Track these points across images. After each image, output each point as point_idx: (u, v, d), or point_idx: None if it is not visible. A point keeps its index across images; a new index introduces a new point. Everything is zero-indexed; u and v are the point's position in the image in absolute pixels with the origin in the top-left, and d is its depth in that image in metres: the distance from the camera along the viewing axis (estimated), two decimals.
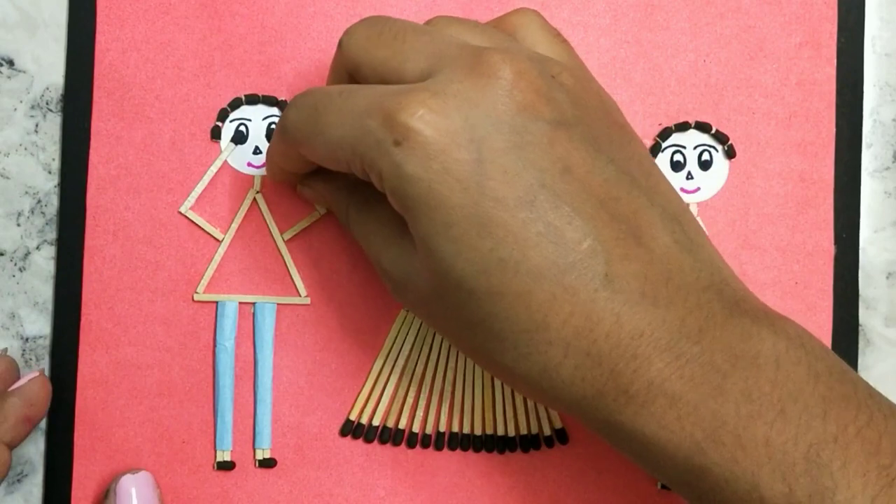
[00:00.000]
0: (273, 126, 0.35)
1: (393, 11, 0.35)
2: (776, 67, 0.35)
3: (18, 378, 0.33)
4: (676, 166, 0.35)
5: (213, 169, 0.35)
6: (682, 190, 0.35)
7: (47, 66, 0.35)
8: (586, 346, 0.25)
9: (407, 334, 0.35)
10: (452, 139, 0.25)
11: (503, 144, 0.25)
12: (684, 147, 0.35)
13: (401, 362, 0.35)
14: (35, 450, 0.35)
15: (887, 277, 0.36)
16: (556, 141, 0.25)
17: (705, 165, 0.35)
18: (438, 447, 0.35)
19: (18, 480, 0.35)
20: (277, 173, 0.33)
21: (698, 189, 0.35)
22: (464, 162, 0.25)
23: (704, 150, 0.35)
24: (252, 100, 0.35)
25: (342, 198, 0.32)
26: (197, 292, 0.35)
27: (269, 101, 0.35)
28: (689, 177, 0.35)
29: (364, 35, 0.28)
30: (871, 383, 0.35)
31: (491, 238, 0.25)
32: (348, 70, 0.29)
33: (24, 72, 0.35)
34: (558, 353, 0.25)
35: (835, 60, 0.35)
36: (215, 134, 0.35)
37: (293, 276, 0.35)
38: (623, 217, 0.25)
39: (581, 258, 0.25)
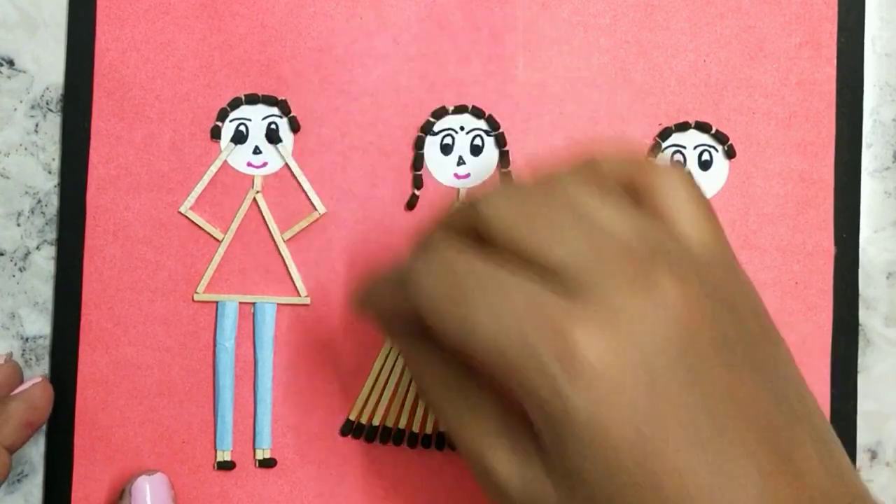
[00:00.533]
0: (273, 126, 0.35)
1: (391, 11, 0.35)
2: (776, 67, 0.35)
3: (21, 382, 0.33)
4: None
5: (213, 169, 0.35)
6: None
7: (47, 66, 0.35)
8: None
9: None
10: (623, 363, 0.22)
11: (671, 370, 0.23)
12: (684, 147, 0.35)
13: (401, 362, 0.35)
14: (35, 450, 0.35)
15: (887, 277, 0.36)
16: (720, 366, 0.23)
17: (705, 165, 0.35)
18: (439, 447, 0.35)
19: (18, 481, 0.35)
20: (364, 311, 0.29)
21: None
22: (635, 390, 0.22)
23: (704, 150, 0.35)
24: (252, 99, 0.35)
25: (433, 370, 0.27)
26: (197, 292, 0.35)
27: (269, 100, 0.35)
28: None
29: (507, 205, 0.25)
30: (871, 383, 0.35)
31: (654, 476, 0.22)
32: (478, 230, 0.25)
33: (24, 72, 0.35)
34: None
35: (835, 60, 0.35)
36: (215, 134, 0.35)
37: (293, 276, 0.35)
38: (782, 450, 0.23)
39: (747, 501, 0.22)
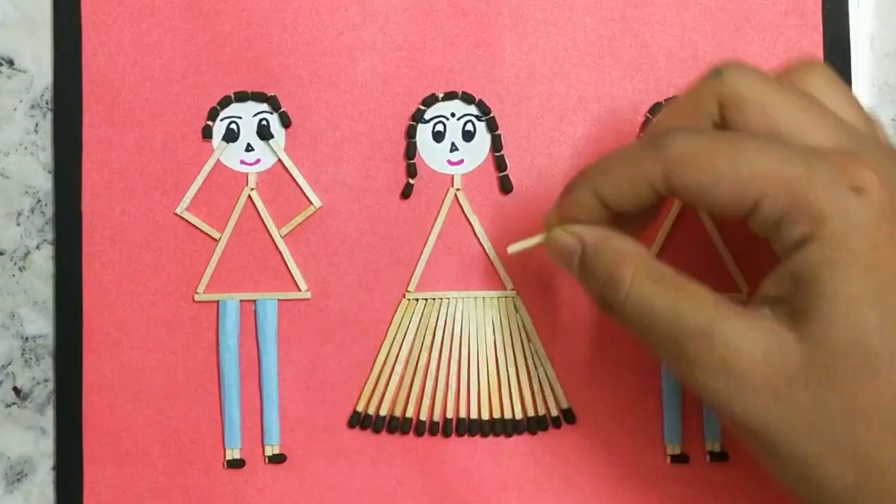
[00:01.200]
0: (264, 122, 0.35)
1: (376, 1, 0.35)
2: (763, 37, 0.35)
3: None
4: None
5: (207, 169, 0.35)
6: None
7: (47, 65, 0.35)
8: None
9: (409, 323, 0.35)
10: None
11: None
12: None
13: (405, 351, 0.35)
14: (35, 450, 0.35)
15: None
16: None
17: None
18: (447, 434, 0.35)
19: (18, 480, 0.35)
20: (582, 202, 0.28)
21: None
22: None
23: None
24: (241, 97, 0.35)
25: (627, 260, 0.27)
26: (197, 292, 0.35)
27: (259, 97, 0.35)
28: None
29: (755, 76, 0.26)
30: None
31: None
32: (721, 103, 0.27)
33: (24, 72, 0.35)
34: None
35: (821, 27, 0.35)
36: (206, 133, 0.35)
37: (292, 272, 0.35)
38: None
39: None
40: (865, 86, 0.36)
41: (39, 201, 0.35)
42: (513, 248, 0.31)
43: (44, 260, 0.35)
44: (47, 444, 0.35)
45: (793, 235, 0.24)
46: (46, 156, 0.35)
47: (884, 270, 0.23)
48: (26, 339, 0.35)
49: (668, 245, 0.35)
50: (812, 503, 0.25)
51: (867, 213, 0.23)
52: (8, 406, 0.35)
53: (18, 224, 0.35)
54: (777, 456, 0.25)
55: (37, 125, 0.35)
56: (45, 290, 0.35)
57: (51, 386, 0.35)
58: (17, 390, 0.35)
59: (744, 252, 0.35)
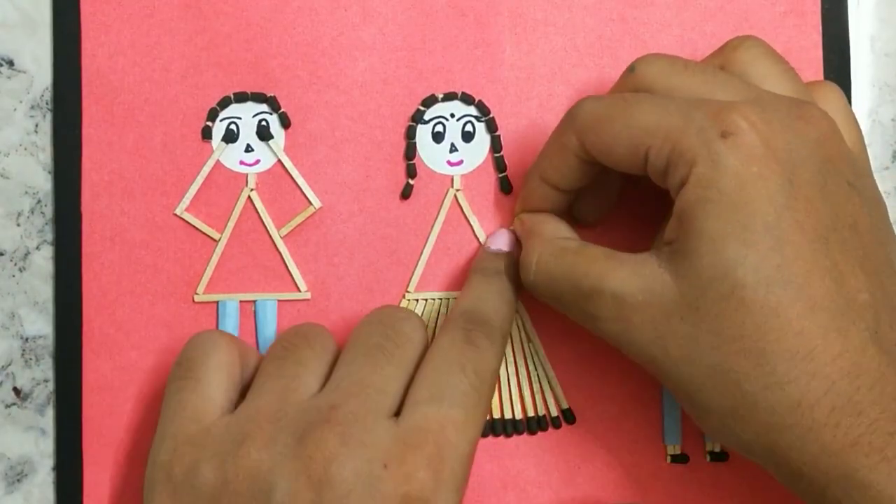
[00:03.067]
0: (263, 123, 0.35)
1: (376, 1, 0.35)
2: (762, 37, 0.35)
3: None
4: None
5: (206, 169, 0.35)
6: None
7: (47, 66, 0.35)
8: (850, 391, 0.24)
9: None
10: (773, 152, 0.26)
11: (809, 179, 0.26)
12: None
13: None
14: (35, 450, 0.35)
15: None
16: (851, 200, 0.27)
17: None
18: None
19: (18, 480, 0.35)
20: (534, 190, 0.33)
21: None
22: (778, 176, 0.25)
23: None
24: (241, 98, 0.35)
25: (535, 244, 0.31)
26: (197, 293, 0.35)
27: (258, 97, 0.35)
28: None
29: (664, 63, 0.30)
30: None
31: (782, 254, 0.25)
32: (637, 90, 0.30)
33: (24, 72, 0.35)
34: (819, 388, 0.25)
35: (820, 27, 0.35)
36: (206, 134, 0.35)
37: (292, 272, 0.35)
38: (893, 289, 0.26)
39: (857, 308, 0.25)
40: (865, 86, 0.36)
41: (39, 202, 0.35)
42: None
43: (44, 260, 0.35)
44: (47, 445, 0.35)
45: (675, 179, 0.27)
46: (46, 156, 0.35)
47: (749, 207, 0.25)
48: (26, 339, 0.35)
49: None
50: (701, 424, 0.28)
51: (734, 154, 0.26)
52: (8, 406, 0.35)
53: (18, 224, 0.35)
54: (667, 382, 0.28)
55: (37, 126, 0.35)
56: (45, 290, 0.35)
57: (51, 386, 0.35)
58: (17, 391, 0.35)
59: None
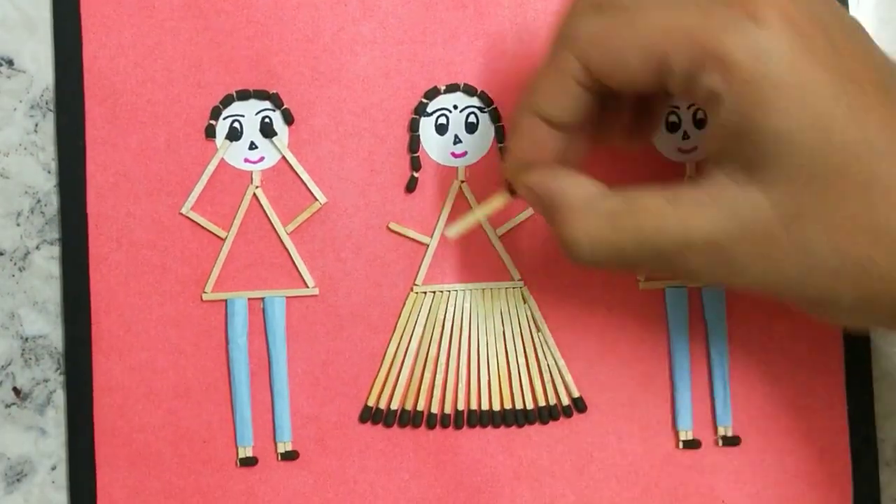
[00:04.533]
0: (266, 120, 0.35)
1: (379, 1, 0.35)
2: None
3: None
4: (672, 127, 0.35)
5: (211, 168, 0.35)
6: (680, 150, 0.35)
7: (47, 65, 0.35)
8: None
9: (418, 316, 0.35)
10: (808, 19, 0.23)
11: (845, 34, 0.24)
12: (678, 107, 0.35)
13: (414, 344, 0.35)
14: (35, 450, 0.35)
15: None
16: (861, 37, 0.25)
17: (700, 124, 0.35)
18: (458, 426, 0.35)
19: (18, 480, 0.35)
20: (528, 131, 0.28)
21: (696, 148, 0.35)
22: (822, 42, 0.23)
23: (699, 109, 0.35)
24: (243, 95, 0.35)
25: (575, 219, 0.27)
26: (205, 292, 0.35)
27: (261, 95, 0.35)
28: (686, 136, 0.35)
29: None
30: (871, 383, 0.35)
31: (858, 121, 0.23)
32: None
33: (24, 72, 0.35)
34: None
35: None
36: (210, 132, 0.35)
37: (300, 269, 0.35)
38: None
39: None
40: None
41: (39, 201, 0.35)
42: (452, 231, 0.31)
43: (44, 260, 0.35)
44: (47, 445, 0.35)
45: (709, 86, 0.24)
46: (46, 156, 0.35)
47: (813, 87, 0.23)
48: (26, 339, 0.35)
49: None
50: (829, 320, 0.26)
51: (774, 39, 0.23)
52: (8, 406, 0.35)
53: (18, 224, 0.35)
54: (787, 298, 0.25)
55: (37, 125, 0.35)
56: (45, 290, 0.35)
57: (51, 386, 0.35)
58: (16, 390, 0.35)
59: None
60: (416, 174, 0.35)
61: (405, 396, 0.35)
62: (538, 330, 0.35)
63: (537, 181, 0.28)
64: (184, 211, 0.35)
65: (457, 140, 0.35)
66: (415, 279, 0.35)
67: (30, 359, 0.35)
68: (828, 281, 0.24)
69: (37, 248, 0.35)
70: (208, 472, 0.35)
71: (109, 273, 0.35)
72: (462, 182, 0.35)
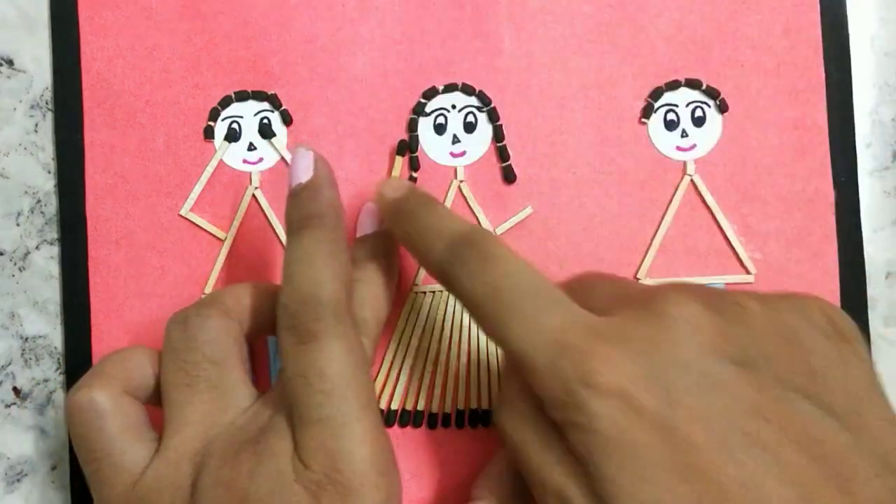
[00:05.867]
0: (265, 121, 0.35)
1: (377, 2, 0.35)
2: (760, 18, 0.35)
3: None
4: (670, 125, 0.35)
5: (210, 169, 0.35)
6: (678, 148, 0.35)
7: (47, 65, 0.35)
8: None
9: (418, 316, 0.35)
10: (642, 384, 0.24)
11: (690, 387, 0.24)
12: (676, 105, 0.35)
13: (414, 344, 0.35)
14: (35, 450, 0.35)
15: (886, 277, 0.36)
16: (742, 382, 0.24)
17: (699, 122, 0.35)
18: (459, 425, 0.35)
19: (18, 480, 0.35)
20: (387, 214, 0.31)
21: (694, 146, 0.35)
22: (654, 405, 0.24)
23: (697, 107, 0.35)
24: (242, 96, 0.35)
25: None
26: (205, 293, 0.35)
27: (259, 96, 0.35)
28: (684, 134, 0.35)
29: None
30: None
31: (692, 483, 0.23)
32: None
33: (24, 71, 0.35)
34: None
35: (818, 6, 0.35)
36: (208, 134, 0.35)
37: None
38: (824, 460, 0.23)
39: (822, 482, 0.23)
40: (865, 86, 0.36)
41: (39, 201, 0.35)
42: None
43: (43, 260, 0.35)
44: (47, 444, 0.35)
45: (554, 417, 0.25)
46: (46, 156, 0.35)
47: (643, 450, 0.23)
48: (26, 339, 0.35)
49: (675, 224, 0.35)
50: None
51: (598, 403, 0.24)
52: (8, 406, 0.35)
53: (18, 224, 0.35)
54: None
55: (36, 125, 0.35)
56: (44, 290, 0.35)
57: (51, 386, 0.35)
58: (16, 390, 0.35)
59: (750, 231, 0.35)
60: (415, 174, 0.35)
61: (406, 396, 0.35)
62: None
63: None
64: (183, 212, 0.35)
65: (455, 140, 0.35)
66: (414, 279, 0.35)
67: (30, 359, 0.35)
68: None
69: (37, 248, 0.35)
70: None
71: (109, 274, 0.35)
72: (461, 182, 0.35)
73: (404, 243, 0.31)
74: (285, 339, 0.27)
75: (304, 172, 0.29)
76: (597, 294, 0.28)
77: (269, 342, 0.34)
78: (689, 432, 0.23)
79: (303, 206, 0.29)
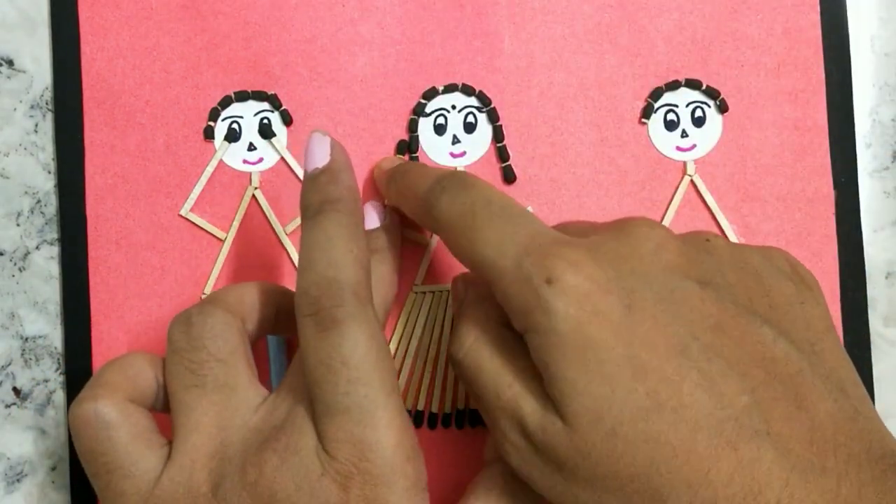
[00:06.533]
0: (265, 121, 0.35)
1: (377, 2, 0.35)
2: (761, 18, 0.35)
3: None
4: (670, 125, 0.35)
5: (210, 169, 0.35)
6: (678, 148, 0.35)
7: (47, 65, 0.35)
8: None
9: (417, 316, 0.35)
10: (603, 285, 0.24)
11: (652, 296, 0.25)
12: (676, 106, 0.35)
13: (413, 344, 0.35)
14: (35, 450, 0.35)
15: (886, 277, 0.36)
16: (705, 299, 0.25)
17: (699, 122, 0.35)
18: (459, 425, 0.35)
19: (18, 480, 0.35)
20: (390, 195, 0.32)
21: (694, 146, 0.35)
22: (615, 306, 0.24)
23: (697, 107, 0.35)
24: (242, 96, 0.35)
25: (472, 325, 0.28)
26: (205, 293, 0.35)
27: (259, 96, 0.35)
28: (684, 135, 0.35)
29: None
30: (871, 383, 0.34)
31: (646, 381, 0.23)
32: None
33: (24, 72, 0.35)
34: None
35: (818, 6, 0.35)
36: (208, 134, 0.35)
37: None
38: (781, 378, 0.24)
39: (739, 413, 0.23)
40: (865, 86, 0.36)
41: (39, 202, 0.35)
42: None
43: (44, 260, 0.35)
44: (47, 444, 0.35)
45: (517, 325, 0.26)
46: (46, 156, 0.35)
47: (596, 345, 0.24)
48: (26, 339, 0.35)
49: (675, 225, 0.35)
50: None
51: (561, 299, 0.24)
52: (8, 406, 0.35)
53: (18, 224, 0.35)
54: None
55: (36, 125, 0.35)
56: (45, 290, 0.35)
57: (51, 386, 0.35)
58: (16, 390, 0.35)
59: (750, 231, 0.35)
60: None
61: (405, 396, 0.35)
62: None
63: (462, 285, 0.31)
64: (183, 212, 0.35)
65: (455, 140, 0.35)
66: (414, 279, 0.35)
67: (30, 359, 0.35)
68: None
69: (37, 248, 0.35)
70: None
71: (109, 274, 0.35)
72: None
73: (398, 199, 0.31)
74: (306, 327, 0.26)
75: (322, 157, 0.29)
76: (571, 228, 0.28)
77: (269, 342, 0.34)
78: (648, 336, 0.24)
79: (321, 189, 0.28)
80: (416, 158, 0.35)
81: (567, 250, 0.25)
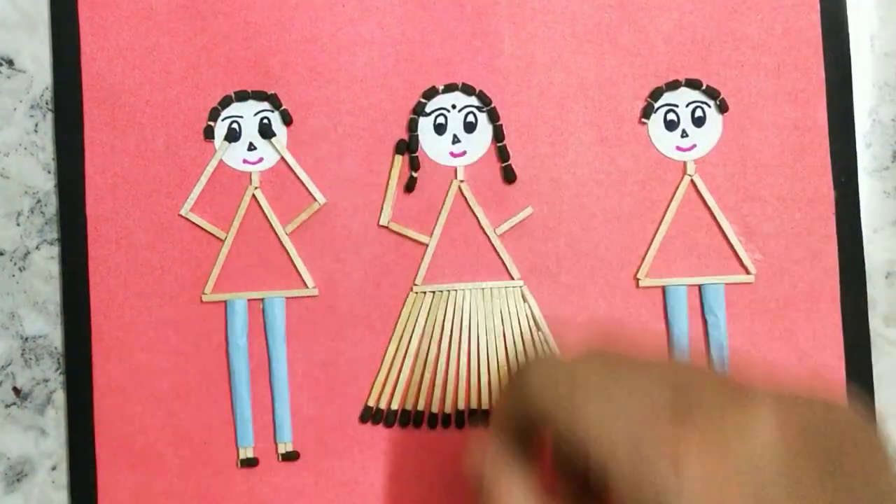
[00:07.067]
0: (265, 121, 0.35)
1: (377, 2, 0.35)
2: (761, 18, 0.35)
3: None
4: (670, 125, 0.35)
5: (210, 169, 0.35)
6: (678, 148, 0.35)
7: (47, 65, 0.35)
8: None
9: (417, 316, 0.35)
10: (729, 478, 0.23)
11: (780, 478, 0.24)
12: (677, 105, 0.35)
13: (414, 344, 0.35)
14: (35, 450, 0.35)
15: (886, 277, 0.36)
16: (826, 488, 0.24)
17: (699, 122, 0.35)
18: (459, 425, 0.35)
19: (18, 480, 0.35)
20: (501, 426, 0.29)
21: (694, 146, 0.35)
22: (745, 496, 0.23)
23: (697, 107, 0.35)
24: (242, 96, 0.35)
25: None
26: (205, 293, 0.35)
27: (259, 96, 0.35)
28: (684, 134, 0.35)
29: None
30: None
31: None
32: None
33: (24, 72, 0.35)
34: None
35: (818, 6, 0.35)
36: (208, 134, 0.35)
37: (299, 269, 0.35)
38: None
39: None
40: (865, 86, 0.36)
41: (39, 201, 0.35)
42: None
43: (44, 260, 0.35)
44: (47, 444, 0.35)
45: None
46: (46, 156, 0.35)
47: None
48: (26, 339, 0.35)
49: (675, 224, 0.35)
50: None
51: (687, 485, 0.23)
52: (8, 406, 0.35)
53: (18, 224, 0.35)
54: None
55: (36, 125, 0.35)
56: (45, 290, 0.35)
57: (51, 386, 0.35)
58: (16, 390, 0.35)
59: (750, 231, 0.35)
60: (415, 174, 0.35)
61: (405, 396, 0.35)
62: (538, 329, 0.35)
63: (491, 479, 0.28)
64: (183, 212, 0.35)
65: (455, 139, 0.35)
66: (414, 279, 0.35)
67: (30, 359, 0.35)
68: None
69: (37, 248, 0.35)
70: (209, 474, 0.35)
71: (109, 274, 0.35)
72: (461, 181, 0.35)
73: None
74: None
75: None
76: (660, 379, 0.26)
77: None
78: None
79: None
80: (416, 158, 0.35)
81: (691, 434, 0.24)
